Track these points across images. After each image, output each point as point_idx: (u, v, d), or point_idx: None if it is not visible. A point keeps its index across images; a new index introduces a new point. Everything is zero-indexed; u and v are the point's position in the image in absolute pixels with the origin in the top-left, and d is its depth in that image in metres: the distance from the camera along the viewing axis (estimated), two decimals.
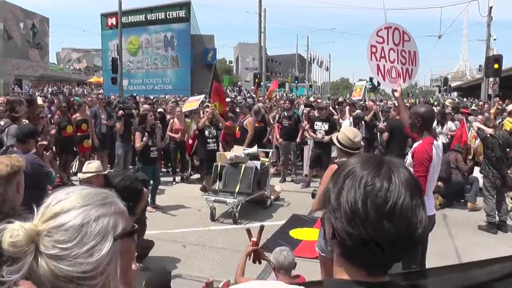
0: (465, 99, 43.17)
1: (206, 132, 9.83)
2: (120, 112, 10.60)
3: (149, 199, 7.88)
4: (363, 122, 12.11)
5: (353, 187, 1.12)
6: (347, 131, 4.85)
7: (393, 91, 5.84)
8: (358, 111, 12.84)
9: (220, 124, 10.34)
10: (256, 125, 11.18)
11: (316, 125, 10.80)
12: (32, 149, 5.23)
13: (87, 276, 1.09)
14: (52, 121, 10.74)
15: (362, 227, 1.08)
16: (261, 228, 3.49)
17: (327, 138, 10.31)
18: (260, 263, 3.53)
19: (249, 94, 30.63)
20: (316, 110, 11.65)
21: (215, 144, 10.06)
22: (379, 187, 1.09)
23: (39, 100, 11.56)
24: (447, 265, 2.51)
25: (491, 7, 22.94)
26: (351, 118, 11.85)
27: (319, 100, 20.15)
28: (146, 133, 9.01)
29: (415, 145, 4.73)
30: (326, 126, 10.68)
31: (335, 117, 12.24)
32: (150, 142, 8.99)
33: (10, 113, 6.70)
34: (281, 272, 4.30)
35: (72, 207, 1.14)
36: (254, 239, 3.41)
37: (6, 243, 1.08)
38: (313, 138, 10.86)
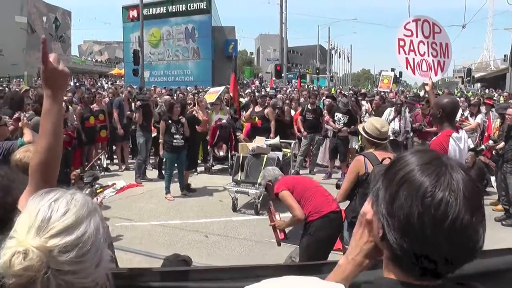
0: (487, 90, 42.03)
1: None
2: (138, 103, 10.78)
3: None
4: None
5: (410, 196, 0.99)
6: (375, 121, 4.69)
7: (424, 84, 5.73)
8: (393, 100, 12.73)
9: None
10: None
11: (336, 116, 10.75)
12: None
13: (94, 285, 1.10)
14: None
15: (416, 242, 0.98)
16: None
17: (345, 128, 10.47)
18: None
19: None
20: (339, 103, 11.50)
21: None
22: (440, 199, 0.96)
23: None
24: None
25: None
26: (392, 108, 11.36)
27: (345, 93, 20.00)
28: (170, 121, 9.03)
29: (434, 138, 4.61)
30: (345, 119, 10.64)
31: (365, 107, 12.26)
32: (174, 130, 9.00)
33: (39, 106, 6.75)
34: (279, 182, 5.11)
35: (81, 220, 1.09)
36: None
37: (17, 267, 0.99)
38: (332, 128, 10.78)
